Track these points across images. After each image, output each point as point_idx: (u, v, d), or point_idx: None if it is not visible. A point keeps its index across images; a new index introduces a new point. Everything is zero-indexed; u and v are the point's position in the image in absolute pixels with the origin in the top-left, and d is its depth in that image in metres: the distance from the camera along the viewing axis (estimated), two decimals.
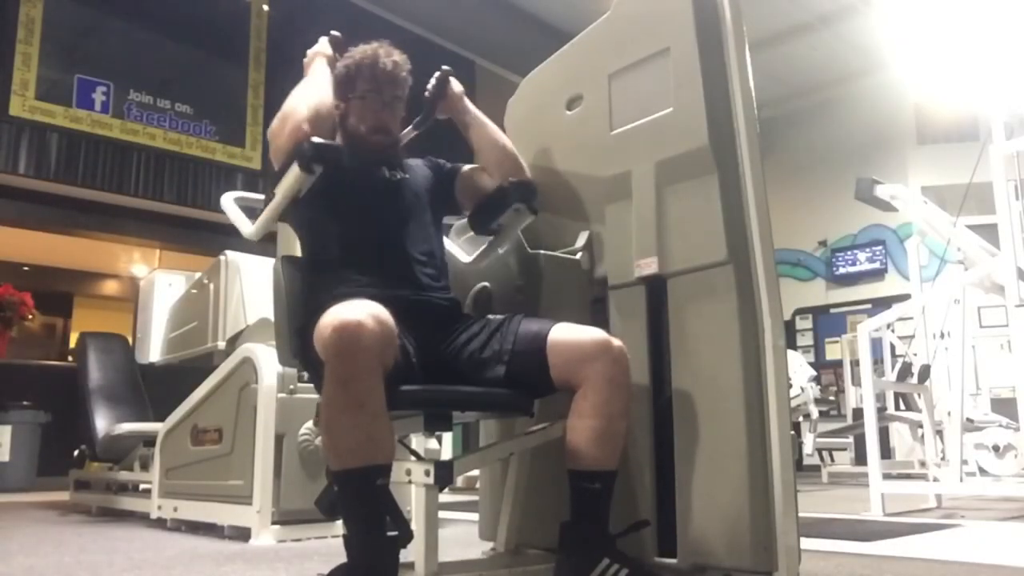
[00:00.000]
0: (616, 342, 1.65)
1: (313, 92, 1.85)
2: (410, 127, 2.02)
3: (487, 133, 1.98)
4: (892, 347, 6.27)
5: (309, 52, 1.98)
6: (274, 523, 2.79)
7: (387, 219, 1.84)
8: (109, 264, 11.21)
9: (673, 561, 1.71)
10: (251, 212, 2.32)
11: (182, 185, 7.28)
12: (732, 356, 1.65)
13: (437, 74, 1.98)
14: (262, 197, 2.00)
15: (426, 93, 1.98)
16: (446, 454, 4.55)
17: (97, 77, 6.89)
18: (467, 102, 2.01)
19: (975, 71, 5.68)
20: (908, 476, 5.64)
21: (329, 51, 1.98)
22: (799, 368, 6.65)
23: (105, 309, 11.60)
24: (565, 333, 1.67)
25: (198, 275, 4.34)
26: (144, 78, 7.14)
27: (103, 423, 4.08)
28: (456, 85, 2.01)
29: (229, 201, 2.50)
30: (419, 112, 2.01)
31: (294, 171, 1.68)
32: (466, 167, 2.03)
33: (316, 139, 1.68)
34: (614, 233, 1.92)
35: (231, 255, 3.80)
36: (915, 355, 5.59)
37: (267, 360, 2.88)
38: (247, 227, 2.16)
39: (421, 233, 1.87)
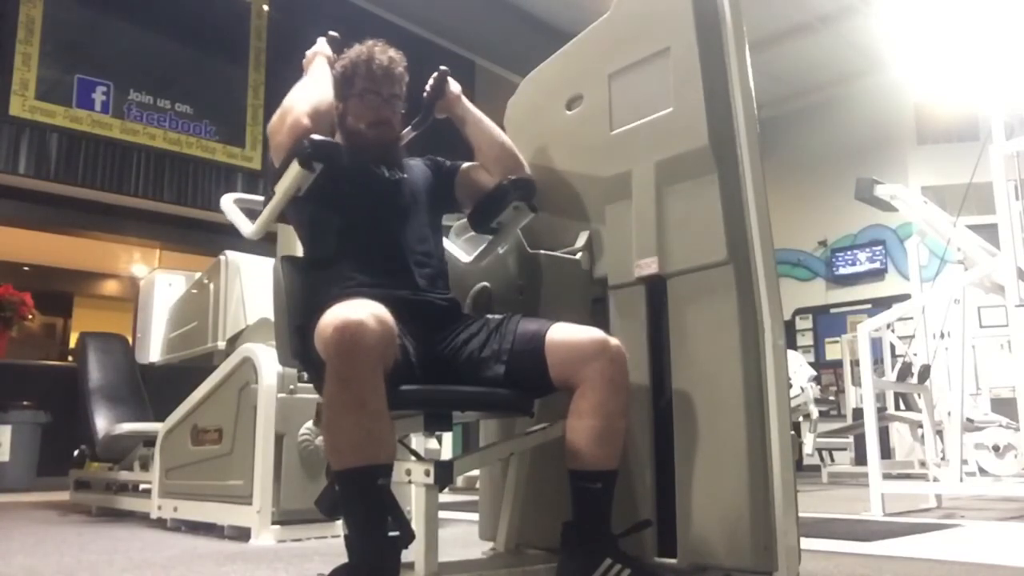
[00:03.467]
0: (614, 341, 1.65)
1: (313, 88, 1.86)
2: (409, 127, 2.03)
3: (485, 130, 1.99)
4: (892, 347, 6.27)
5: (308, 53, 1.98)
6: (274, 523, 2.79)
7: (386, 218, 1.83)
8: (109, 264, 11.22)
9: (673, 561, 1.71)
10: (251, 214, 2.32)
11: (182, 185, 7.28)
12: (732, 356, 1.65)
13: (435, 74, 1.99)
14: (261, 199, 2.01)
15: (424, 93, 2.00)
16: (446, 454, 4.55)
17: (97, 77, 6.89)
18: (465, 101, 2.02)
19: (975, 71, 5.69)
20: (908, 476, 5.64)
21: (328, 51, 1.98)
22: (799, 368, 6.65)
23: (105, 309, 11.60)
24: (563, 333, 1.67)
25: (198, 275, 4.34)
26: (144, 78, 7.14)
27: (103, 423, 4.08)
28: (454, 84, 2.01)
29: (229, 202, 2.51)
30: (418, 113, 2.02)
31: (294, 168, 1.68)
32: (465, 165, 2.03)
33: (316, 136, 1.68)
34: (614, 233, 1.92)
35: (231, 255, 3.80)
36: (915, 355, 5.58)
37: (267, 360, 2.88)
38: (247, 227, 2.17)
39: (420, 233, 1.87)
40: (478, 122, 2.00)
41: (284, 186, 1.72)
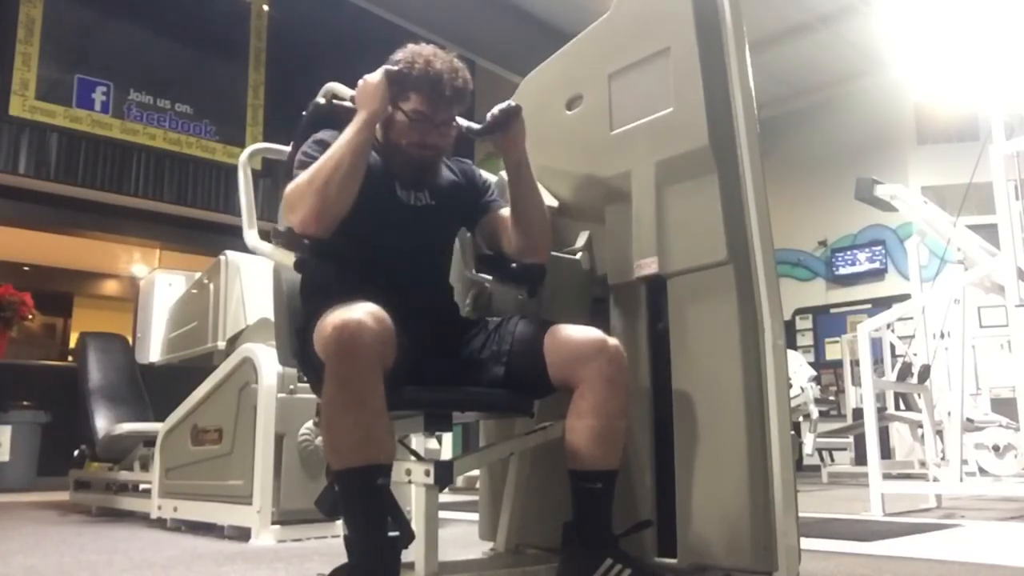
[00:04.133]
0: (612, 341, 1.64)
1: (342, 176, 1.60)
2: (456, 124, 1.81)
3: (535, 199, 1.82)
4: (892, 347, 6.27)
5: (364, 80, 1.71)
6: (274, 523, 2.79)
7: (398, 247, 1.77)
8: (109, 264, 11.22)
9: (673, 561, 1.71)
10: (274, 164, 2.23)
11: (182, 185, 7.28)
12: (732, 356, 1.65)
13: (509, 104, 1.77)
14: (286, 149, 1.88)
15: (489, 115, 1.76)
16: (446, 454, 4.55)
17: (97, 77, 6.90)
18: (526, 151, 1.82)
19: (975, 71, 5.69)
20: (908, 476, 5.64)
21: (384, 89, 1.68)
22: (799, 368, 6.65)
23: (105, 309, 11.61)
24: (562, 333, 1.66)
25: (198, 275, 4.34)
26: (144, 78, 7.15)
27: (103, 423, 4.08)
28: (521, 126, 1.80)
29: (254, 239, 2.40)
30: (475, 128, 1.81)
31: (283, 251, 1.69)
32: (499, 211, 1.88)
33: (310, 253, 1.63)
34: (614, 233, 1.92)
35: (231, 255, 3.80)
36: (915, 355, 5.58)
37: (267, 360, 2.88)
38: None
39: (430, 259, 1.84)
40: (531, 184, 1.82)
41: (279, 249, 1.73)
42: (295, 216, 1.62)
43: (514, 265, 1.83)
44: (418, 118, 1.72)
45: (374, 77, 1.70)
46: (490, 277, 1.98)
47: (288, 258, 1.67)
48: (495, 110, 1.76)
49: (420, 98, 1.71)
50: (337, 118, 1.76)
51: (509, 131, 1.77)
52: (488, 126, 1.77)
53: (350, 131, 1.66)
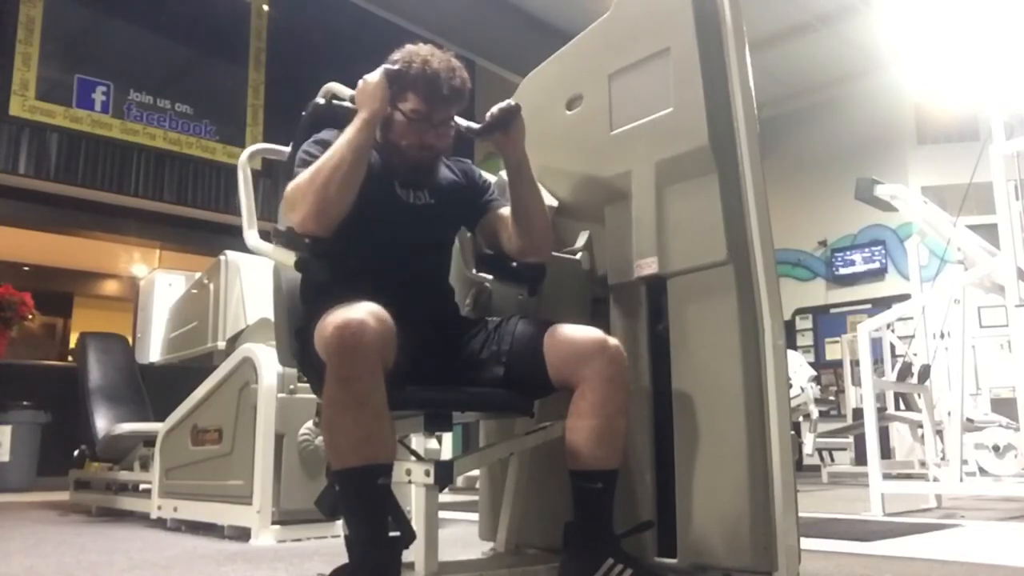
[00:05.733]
0: (612, 341, 1.64)
1: (344, 175, 1.61)
2: (455, 124, 1.81)
3: (535, 198, 1.82)
4: (892, 347, 6.27)
5: (363, 80, 1.71)
6: (274, 523, 2.79)
7: (397, 246, 1.77)
8: (109, 264, 11.23)
9: (673, 561, 1.71)
10: (274, 164, 2.20)
11: (182, 185, 7.29)
12: (732, 356, 1.65)
13: (509, 104, 1.77)
14: (286, 150, 1.89)
15: (488, 115, 1.76)
16: (446, 454, 4.55)
17: (97, 77, 6.90)
18: (525, 150, 1.82)
19: (975, 71, 5.69)
20: (908, 476, 5.64)
21: (383, 89, 1.68)
22: (799, 368, 6.65)
23: (105, 309, 11.61)
24: (561, 333, 1.66)
25: (198, 275, 4.34)
26: (144, 78, 7.15)
27: (103, 423, 4.08)
28: (521, 125, 1.80)
29: (254, 239, 2.29)
30: (474, 129, 1.81)
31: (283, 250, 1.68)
32: (499, 210, 1.88)
33: (311, 251, 1.62)
34: (614, 233, 1.92)
35: (231, 255, 3.80)
36: (915, 355, 5.59)
37: (267, 360, 2.88)
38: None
39: (430, 258, 1.85)
40: (531, 183, 1.81)
41: (280, 250, 1.72)
42: (296, 215, 1.62)
43: (515, 264, 1.83)
44: (416, 118, 1.72)
45: (373, 77, 1.70)
46: (490, 276, 1.97)
47: (288, 258, 1.67)
48: (494, 109, 1.76)
49: (418, 98, 1.70)
50: (337, 118, 1.76)
51: (509, 130, 1.77)
52: (487, 126, 1.77)
53: (351, 131, 1.66)
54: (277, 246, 1.69)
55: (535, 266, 1.84)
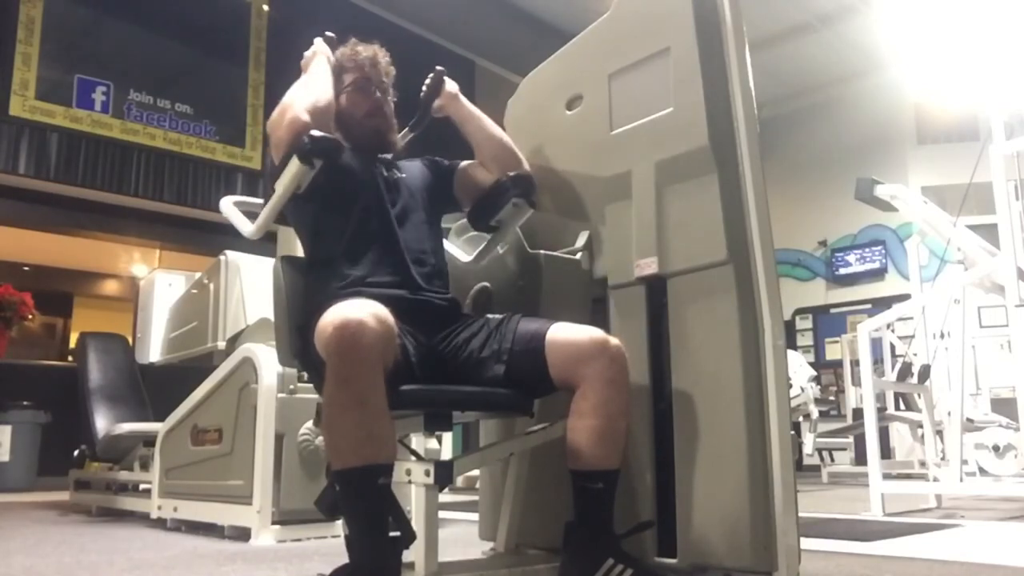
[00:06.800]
0: (614, 341, 1.64)
1: (312, 85, 1.87)
2: (407, 129, 2.05)
3: (484, 127, 2.00)
4: (892, 347, 6.28)
5: (307, 53, 1.98)
6: (274, 523, 2.79)
7: (384, 218, 1.83)
8: (109, 264, 11.22)
9: (673, 561, 1.71)
10: (251, 216, 2.32)
11: (182, 185, 7.28)
12: (732, 356, 1.65)
13: (432, 75, 2.03)
14: (260, 201, 2.03)
15: (421, 94, 2.03)
16: (446, 454, 4.55)
17: (97, 77, 6.89)
18: (463, 100, 2.03)
19: (975, 71, 5.69)
20: (908, 476, 5.64)
21: (327, 51, 1.98)
22: (799, 368, 6.65)
23: (105, 309, 11.61)
24: (563, 332, 1.67)
25: (198, 275, 4.34)
26: (144, 78, 7.15)
27: (103, 423, 4.08)
28: (451, 84, 2.04)
29: (228, 204, 2.50)
30: (416, 115, 2.05)
31: (294, 165, 1.68)
32: (464, 163, 2.04)
33: (315, 132, 1.68)
34: (614, 233, 1.92)
35: (231, 255, 3.80)
36: (915, 355, 5.59)
37: (267, 360, 2.88)
38: (247, 227, 2.17)
39: (418, 232, 1.87)
40: (477, 120, 2.01)
41: (284, 183, 1.72)
42: (287, 117, 1.75)
43: (503, 181, 1.92)
44: (359, 81, 1.93)
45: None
46: (494, 223, 1.96)
47: (294, 170, 1.69)
48: (424, 86, 2.02)
49: (350, 69, 1.94)
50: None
51: (442, 95, 2.01)
52: (424, 101, 2.03)
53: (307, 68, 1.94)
54: (286, 171, 1.72)
55: (521, 176, 1.93)
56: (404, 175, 1.95)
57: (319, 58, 1.96)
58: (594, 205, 1.99)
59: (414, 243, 1.84)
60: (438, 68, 2.03)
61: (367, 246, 1.79)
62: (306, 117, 1.74)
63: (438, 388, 1.64)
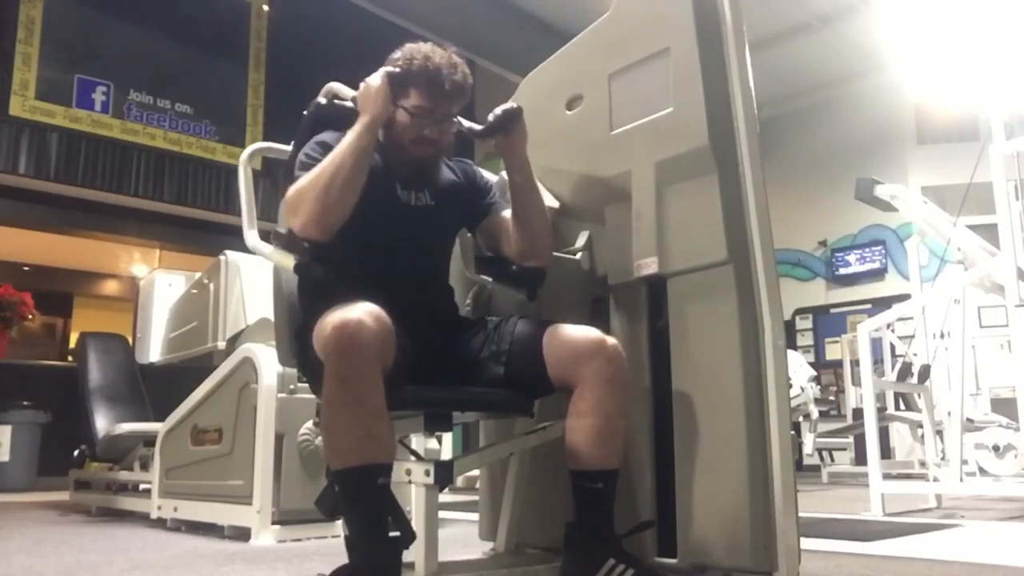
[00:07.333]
0: (611, 340, 1.64)
1: (342, 178, 1.59)
2: (457, 125, 1.79)
3: (536, 202, 1.82)
4: (892, 347, 6.27)
5: (365, 83, 1.70)
6: (274, 523, 2.79)
7: (397, 247, 1.77)
8: (109, 264, 11.22)
9: (673, 561, 1.71)
10: (275, 164, 2.14)
11: (182, 185, 7.28)
12: (732, 356, 1.65)
13: (510, 106, 1.77)
14: (284, 148, 1.88)
15: (490, 116, 1.75)
16: (446, 454, 4.55)
17: (97, 77, 6.90)
18: (524, 148, 1.80)
19: (975, 71, 5.69)
20: (908, 476, 5.64)
21: (386, 99, 1.68)
22: (799, 368, 6.65)
23: (105, 309, 11.61)
24: (560, 333, 1.66)
25: (198, 275, 4.34)
26: (144, 78, 7.15)
27: (103, 423, 4.08)
28: (524, 130, 1.79)
29: (255, 239, 2.19)
30: (473, 128, 1.80)
31: (285, 255, 1.67)
32: (500, 213, 1.86)
33: (310, 256, 1.62)
34: (614, 233, 1.92)
35: (231, 255, 3.80)
36: (915, 355, 5.59)
37: (267, 360, 2.88)
38: (290, 261, 2.04)
39: (429, 260, 1.84)
40: (532, 186, 1.80)
41: (277, 258, 1.72)
42: (296, 219, 1.62)
43: (514, 267, 1.82)
44: (419, 113, 1.70)
45: (375, 80, 1.69)
46: (490, 279, 1.97)
47: (288, 260, 1.67)
48: (497, 111, 1.75)
49: (420, 93, 1.70)
50: (339, 118, 1.75)
51: (510, 133, 1.76)
52: (489, 127, 1.76)
53: (352, 135, 1.65)
54: (277, 248, 1.69)
55: (535, 270, 1.82)
56: (432, 201, 1.80)
57: (370, 129, 1.65)
58: (594, 205, 1.98)
59: (424, 277, 1.81)
60: (519, 105, 1.78)
61: (369, 249, 1.77)
62: (315, 233, 1.60)
63: (438, 388, 1.64)
